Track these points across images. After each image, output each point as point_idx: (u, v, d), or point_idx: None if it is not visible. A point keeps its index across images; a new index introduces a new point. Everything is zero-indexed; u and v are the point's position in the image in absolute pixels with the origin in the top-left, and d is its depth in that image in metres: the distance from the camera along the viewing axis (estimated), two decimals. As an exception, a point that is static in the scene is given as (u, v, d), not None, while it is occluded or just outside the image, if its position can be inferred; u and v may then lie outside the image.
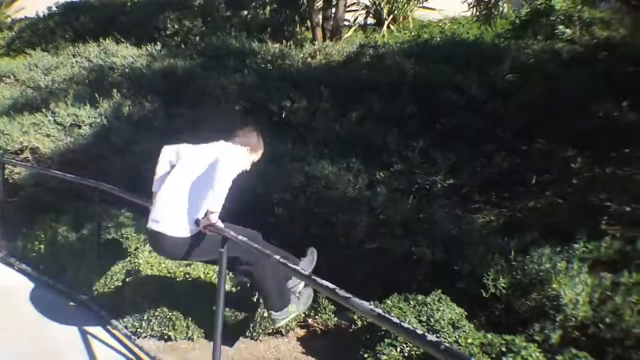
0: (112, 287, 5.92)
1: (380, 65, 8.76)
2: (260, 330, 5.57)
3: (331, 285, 3.26)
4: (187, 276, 5.73)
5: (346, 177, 6.55)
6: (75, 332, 5.49)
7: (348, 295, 3.13)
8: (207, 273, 5.78)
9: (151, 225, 4.70)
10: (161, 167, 5.01)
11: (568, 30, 9.83)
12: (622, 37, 9.45)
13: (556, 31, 9.93)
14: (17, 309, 5.92)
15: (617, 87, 7.95)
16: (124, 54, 9.88)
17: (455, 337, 4.83)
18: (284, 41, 10.25)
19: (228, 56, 9.37)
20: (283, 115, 7.89)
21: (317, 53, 9.73)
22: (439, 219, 6.16)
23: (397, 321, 2.85)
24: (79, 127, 8.10)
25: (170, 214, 4.60)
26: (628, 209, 6.81)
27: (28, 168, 7.76)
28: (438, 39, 9.66)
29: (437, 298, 5.22)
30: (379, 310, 2.95)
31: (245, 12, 12.12)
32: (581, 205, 6.94)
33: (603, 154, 7.29)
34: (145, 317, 5.46)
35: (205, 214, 4.49)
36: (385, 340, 4.80)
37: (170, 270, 5.73)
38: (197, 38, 10.53)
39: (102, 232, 6.26)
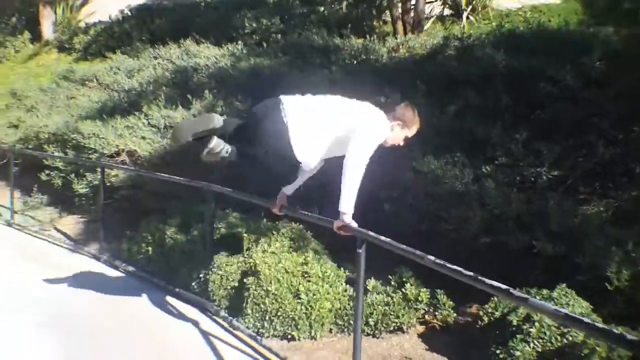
0: (229, 287, 6.00)
1: (470, 57, 8.71)
2: (382, 328, 5.62)
3: (503, 286, 3.26)
4: (306, 275, 5.79)
5: (453, 172, 6.55)
6: (196, 334, 5.54)
7: (525, 296, 3.15)
8: (325, 272, 5.84)
9: None
10: None
11: (653, 13, 9.65)
12: None
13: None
14: (135, 312, 6.01)
15: None
16: (207, 55, 10.01)
17: (589, 331, 4.81)
18: (367, 36, 10.22)
19: (312, 53, 9.41)
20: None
21: (400, 47, 9.72)
22: (552, 212, 6.12)
23: (589, 321, 2.84)
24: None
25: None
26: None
27: (129, 171, 7.90)
28: (522, 29, 9.54)
29: (562, 292, 5.19)
30: (565, 311, 2.93)
31: (322, 8, 12.14)
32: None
33: None
34: (267, 317, 5.55)
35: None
36: (518, 336, 4.81)
37: (289, 270, 5.79)
38: (279, 36, 10.57)
39: (214, 233, 6.30)
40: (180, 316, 5.93)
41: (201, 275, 6.19)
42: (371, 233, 4.38)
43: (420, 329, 5.77)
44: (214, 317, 5.95)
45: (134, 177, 7.97)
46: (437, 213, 6.30)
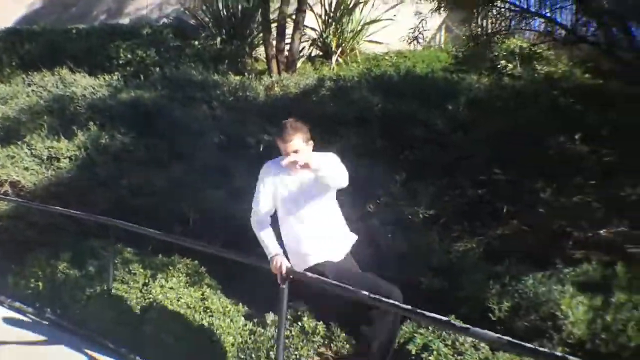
0: (128, 322, 6.06)
1: (345, 98, 9.24)
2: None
3: (444, 318, 3.66)
4: (207, 310, 5.95)
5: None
6: None
7: (466, 326, 3.56)
8: (225, 307, 6.03)
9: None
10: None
11: (510, 65, 10.71)
12: (563, 73, 10.42)
13: (498, 65, 10.80)
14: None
15: (565, 121, 8.80)
16: (83, 84, 9.92)
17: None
18: (242, 73, 10.55)
19: (190, 87, 9.61)
20: (261, 149, 8.20)
21: (275, 85, 10.14)
22: (432, 249, 6.69)
23: (531, 346, 3.28)
24: (58, 160, 8.13)
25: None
26: (590, 234, 7.57)
27: (14, 202, 7.68)
28: (392, 73, 10.24)
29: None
30: (508, 338, 3.35)
31: (196, 42, 12.33)
32: (547, 232, 7.67)
33: (561, 184, 8.06)
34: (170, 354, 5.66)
35: None
36: None
37: (190, 305, 5.94)
38: (157, 69, 10.66)
39: (111, 269, 6.30)
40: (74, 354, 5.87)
41: (97, 312, 6.18)
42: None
43: (316, 363, 6.08)
44: (116, 354, 5.92)
45: (15, 208, 7.77)
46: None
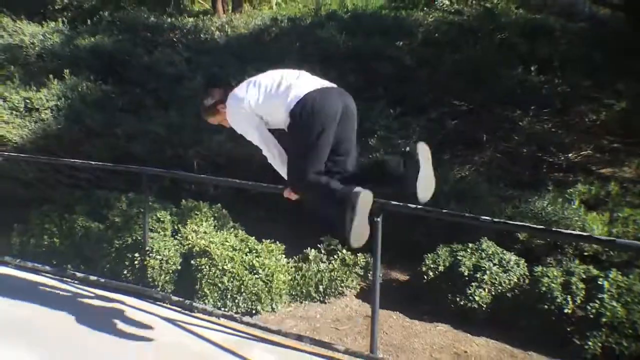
0: (170, 271, 5.94)
1: (307, 37, 9.23)
2: (330, 293, 6.04)
3: (585, 234, 3.92)
4: (253, 251, 5.94)
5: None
6: (162, 324, 5.37)
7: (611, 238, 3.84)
8: (269, 246, 6.06)
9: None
10: None
11: (446, 1, 11.05)
12: (501, 8, 10.87)
13: (436, 1, 11.12)
14: (67, 313, 5.54)
15: (517, 54, 9.29)
16: (30, 32, 9.25)
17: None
18: (186, 15, 10.23)
19: (146, 31, 9.24)
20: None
21: (226, 26, 9.93)
22: (446, 176, 6.98)
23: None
24: (37, 110, 7.61)
25: None
26: (562, 158, 8.15)
27: (12, 157, 7.10)
28: (342, 12, 10.29)
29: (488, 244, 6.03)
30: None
31: None
32: (524, 158, 8.18)
33: (526, 113, 8.56)
34: (229, 296, 5.63)
35: None
36: (473, 284, 5.54)
37: (236, 247, 5.91)
38: (106, 13, 10.09)
39: (146, 218, 6.06)
40: (123, 308, 5.65)
41: (136, 262, 6.00)
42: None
43: (354, 291, 6.26)
44: (161, 303, 5.79)
45: (6, 166, 7.24)
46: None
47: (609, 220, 6.22)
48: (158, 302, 5.80)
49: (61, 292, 6.01)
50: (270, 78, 4.29)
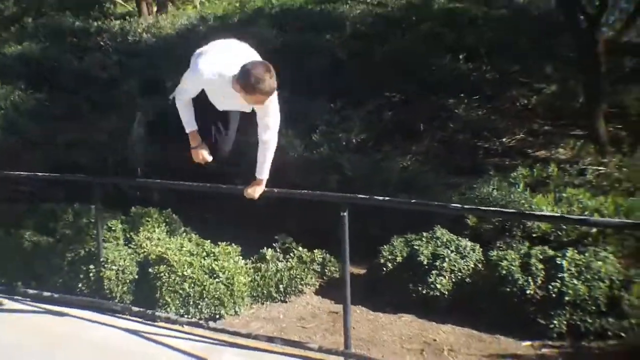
0: (127, 281, 5.78)
1: (239, 34, 9.10)
2: (291, 292, 6.02)
3: (557, 214, 4.01)
4: (210, 254, 5.85)
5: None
6: (125, 336, 5.22)
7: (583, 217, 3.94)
8: (225, 249, 5.97)
9: None
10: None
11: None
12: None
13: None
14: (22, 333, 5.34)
15: (444, 43, 9.48)
16: (-52, 40, 8.83)
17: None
18: (108, 18, 9.95)
19: (72, 36, 8.96)
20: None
21: (153, 27, 9.74)
22: (392, 167, 7.06)
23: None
24: (-32, 121, 7.25)
25: None
26: (497, 143, 8.37)
27: None
28: (268, 8, 10.23)
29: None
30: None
31: None
32: (462, 145, 8.36)
33: (459, 101, 8.75)
34: (191, 302, 5.52)
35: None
36: (433, 272, 5.62)
37: (193, 252, 5.81)
38: (30, 20, 9.69)
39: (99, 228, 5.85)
40: (81, 324, 5.46)
41: (91, 275, 5.80)
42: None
43: (313, 288, 6.26)
44: (121, 315, 5.59)
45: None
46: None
47: (554, 201, 6.38)
48: (117, 314, 5.62)
49: (12, 312, 5.75)
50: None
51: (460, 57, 9.05)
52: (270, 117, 4.37)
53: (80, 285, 5.87)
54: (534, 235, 6.15)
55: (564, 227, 5.94)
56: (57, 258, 6.01)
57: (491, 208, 5.58)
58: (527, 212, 5.57)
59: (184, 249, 5.79)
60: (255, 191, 4.60)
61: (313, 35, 9.05)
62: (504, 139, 8.36)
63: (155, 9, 11.08)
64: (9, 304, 5.91)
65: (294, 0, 11.14)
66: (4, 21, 10.18)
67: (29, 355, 4.82)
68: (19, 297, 6.04)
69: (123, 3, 11.37)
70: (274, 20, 9.34)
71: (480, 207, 5.42)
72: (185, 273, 5.55)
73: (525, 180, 6.85)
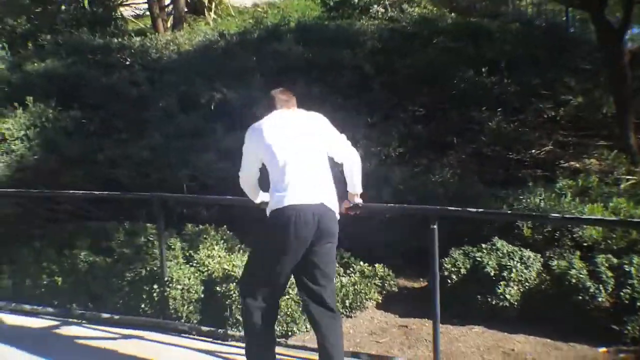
0: (193, 300, 5.61)
1: (262, 50, 9.05)
2: (355, 306, 5.90)
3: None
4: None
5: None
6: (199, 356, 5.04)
7: None
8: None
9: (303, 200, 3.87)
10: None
11: (381, 9, 11.14)
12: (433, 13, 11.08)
13: (370, 9, 11.18)
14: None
15: (465, 57, 9.51)
16: (-33, 58, 8.56)
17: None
18: (122, 34, 9.79)
19: (92, 53, 8.78)
20: (212, 108, 7.83)
21: (171, 44, 9.60)
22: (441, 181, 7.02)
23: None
24: (5, 141, 6.98)
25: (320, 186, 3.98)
26: (528, 155, 8.37)
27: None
28: (290, 24, 10.16)
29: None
30: None
31: (63, 7, 11.07)
32: (493, 157, 8.35)
33: (491, 114, 8.75)
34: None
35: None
36: (501, 283, 5.56)
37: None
38: (48, 36, 9.45)
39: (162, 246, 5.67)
40: (147, 345, 5.25)
41: (155, 294, 5.63)
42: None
43: (374, 303, 6.14)
44: (188, 335, 5.42)
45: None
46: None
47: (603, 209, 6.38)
48: (184, 334, 5.45)
49: (69, 335, 5.51)
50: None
51: (483, 70, 9.05)
52: (335, 141, 4.16)
53: (142, 305, 5.66)
54: (584, 244, 6.15)
55: (614, 235, 5.96)
56: (116, 278, 5.79)
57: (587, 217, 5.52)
58: (609, 219, 5.55)
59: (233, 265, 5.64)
60: (352, 206, 4.43)
61: (335, 50, 8.98)
62: (532, 151, 8.35)
63: (169, 25, 10.91)
64: (64, 328, 5.66)
65: (307, 16, 11.15)
66: (17, 39, 9.91)
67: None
68: (75, 320, 5.80)
69: (134, 20, 11.20)
70: (299, 35, 9.23)
71: (582, 217, 5.62)
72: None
73: (570, 190, 6.84)
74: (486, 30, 10.13)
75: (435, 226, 4.64)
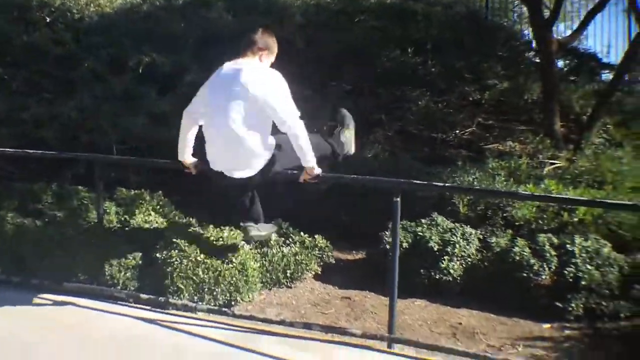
0: (130, 267, 5.29)
1: (192, 17, 8.66)
2: (296, 277, 5.74)
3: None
4: (220, 240, 5.46)
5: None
6: (143, 325, 4.77)
7: None
8: (231, 232, 5.59)
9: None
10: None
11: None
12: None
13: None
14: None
15: (390, 37, 9.47)
16: None
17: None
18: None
19: (14, 7, 8.14)
20: (140, 71, 7.41)
21: (91, 5, 9.04)
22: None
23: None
24: None
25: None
26: (452, 135, 8.45)
27: None
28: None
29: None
30: None
31: None
32: (418, 136, 8.39)
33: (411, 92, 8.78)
34: (206, 288, 5.12)
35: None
36: (445, 258, 5.56)
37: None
38: None
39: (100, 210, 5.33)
40: (83, 312, 4.95)
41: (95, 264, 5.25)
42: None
43: (311, 274, 5.99)
44: (125, 302, 5.11)
45: None
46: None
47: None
48: (121, 302, 5.14)
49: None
50: None
51: (409, 50, 9.04)
52: (278, 111, 4.21)
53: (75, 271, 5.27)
54: (516, 223, 6.24)
55: (545, 215, 6.10)
56: (47, 242, 5.36)
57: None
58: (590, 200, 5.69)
59: (191, 232, 5.36)
60: (312, 174, 4.47)
61: (265, 22, 8.69)
62: (457, 131, 8.44)
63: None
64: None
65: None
66: None
67: (34, 349, 4.29)
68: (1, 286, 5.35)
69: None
70: (229, 4, 8.90)
71: (550, 195, 5.87)
72: (198, 258, 5.14)
73: (502, 171, 6.93)
74: (411, 12, 10.10)
75: (398, 199, 4.56)
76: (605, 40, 11.23)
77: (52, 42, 7.37)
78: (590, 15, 8.60)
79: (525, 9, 11.61)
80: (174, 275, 5.11)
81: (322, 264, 5.99)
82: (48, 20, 8.13)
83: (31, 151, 5.60)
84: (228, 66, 4.33)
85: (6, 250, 5.49)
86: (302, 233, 5.96)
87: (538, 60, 9.55)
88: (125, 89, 6.59)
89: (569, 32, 11.06)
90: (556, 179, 6.82)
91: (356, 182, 5.38)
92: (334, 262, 6.09)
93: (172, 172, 5.91)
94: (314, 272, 5.90)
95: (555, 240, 5.59)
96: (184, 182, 6.09)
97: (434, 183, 5.04)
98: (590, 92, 8.98)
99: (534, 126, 8.54)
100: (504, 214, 6.29)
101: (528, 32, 11.26)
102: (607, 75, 10.07)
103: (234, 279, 5.20)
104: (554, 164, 7.50)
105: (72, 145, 6.24)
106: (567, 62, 9.75)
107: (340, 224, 6.55)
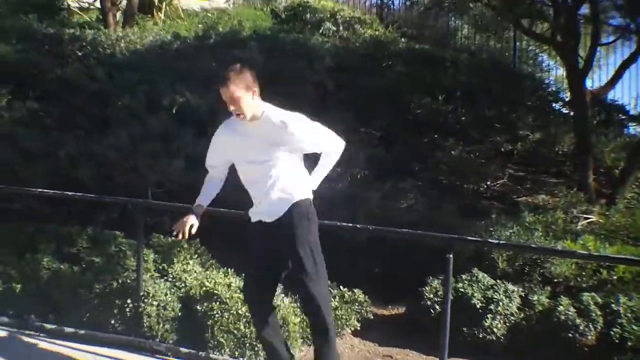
0: (169, 318, 5.11)
1: (221, 56, 8.59)
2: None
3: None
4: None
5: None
6: None
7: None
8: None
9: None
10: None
11: (332, 27, 10.91)
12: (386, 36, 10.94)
13: (322, 26, 10.93)
14: None
15: (422, 83, 9.40)
16: None
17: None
18: (70, 26, 9.07)
19: (43, 41, 8.07)
20: (174, 110, 7.31)
21: (122, 40, 9.00)
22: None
23: None
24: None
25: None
26: (484, 186, 8.31)
27: None
28: (247, 32, 9.75)
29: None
30: None
31: None
32: (449, 185, 8.25)
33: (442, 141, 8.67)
34: (247, 343, 4.94)
35: None
36: (488, 316, 5.39)
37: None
38: None
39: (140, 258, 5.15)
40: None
41: (127, 310, 5.08)
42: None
43: (350, 330, 5.81)
44: (163, 356, 4.93)
45: None
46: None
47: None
48: (159, 355, 4.95)
49: (27, 348, 4.92)
50: None
51: (440, 97, 8.97)
52: (308, 142, 3.96)
53: (113, 321, 5.10)
54: (555, 280, 6.10)
55: (583, 273, 5.97)
56: (83, 289, 5.20)
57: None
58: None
59: (233, 285, 5.20)
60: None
61: (296, 64, 8.65)
62: (488, 182, 8.30)
63: (117, 20, 10.24)
64: (19, 340, 5.04)
65: (259, 26, 10.78)
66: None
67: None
68: (33, 332, 5.16)
69: (80, 12, 10.45)
70: (261, 45, 8.84)
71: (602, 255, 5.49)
72: (240, 311, 4.97)
73: (539, 225, 6.79)
74: (440, 58, 10.07)
75: (451, 255, 4.42)
76: (634, 91, 11.12)
77: (86, 76, 7.25)
78: (624, 67, 8.52)
79: (546, 56, 11.72)
80: (215, 328, 4.93)
81: (360, 318, 5.79)
82: (80, 54, 8.03)
83: (70, 193, 5.43)
84: None
85: (40, 295, 5.29)
86: (341, 287, 5.76)
87: (566, 111, 9.48)
88: (164, 129, 6.43)
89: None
90: (592, 235, 6.67)
91: (407, 237, 5.18)
92: (372, 317, 5.89)
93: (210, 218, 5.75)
94: (353, 328, 5.70)
95: (600, 300, 5.44)
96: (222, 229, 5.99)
97: (489, 240, 4.83)
98: (621, 144, 8.85)
99: (565, 179, 8.43)
100: (541, 270, 6.13)
101: (551, 80, 11.23)
102: (634, 127, 9.98)
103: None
104: (587, 218, 7.35)
105: (106, 186, 6.09)
106: (596, 114, 9.56)
107: (372, 277, 6.37)
